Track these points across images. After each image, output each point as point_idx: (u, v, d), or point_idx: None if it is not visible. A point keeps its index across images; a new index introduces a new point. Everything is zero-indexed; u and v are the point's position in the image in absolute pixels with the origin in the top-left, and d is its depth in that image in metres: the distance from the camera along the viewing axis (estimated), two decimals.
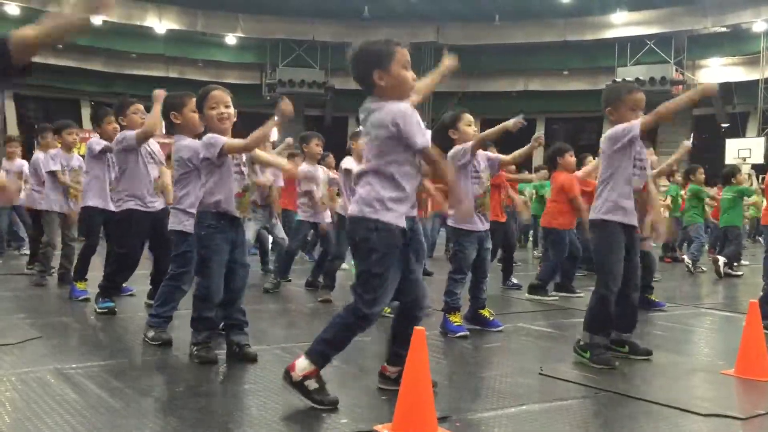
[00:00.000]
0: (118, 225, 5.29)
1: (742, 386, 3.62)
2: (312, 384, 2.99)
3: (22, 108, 26.83)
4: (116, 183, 5.33)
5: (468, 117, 4.82)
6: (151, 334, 4.26)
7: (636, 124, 3.81)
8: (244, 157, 4.03)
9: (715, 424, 2.98)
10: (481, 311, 4.92)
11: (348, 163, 6.10)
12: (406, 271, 3.11)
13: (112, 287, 5.32)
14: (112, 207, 5.65)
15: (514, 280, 7.42)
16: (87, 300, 5.69)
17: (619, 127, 3.90)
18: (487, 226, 4.86)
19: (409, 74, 3.04)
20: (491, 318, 4.92)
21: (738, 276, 9.21)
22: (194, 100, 4.18)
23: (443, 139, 4.74)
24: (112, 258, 5.35)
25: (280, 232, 7.18)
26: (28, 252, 8.56)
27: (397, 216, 2.98)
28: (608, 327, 3.95)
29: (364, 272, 3.02)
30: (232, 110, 3.90)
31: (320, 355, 3.02)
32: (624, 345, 4.09)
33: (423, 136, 2.96)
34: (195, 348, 3.84)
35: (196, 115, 4.19)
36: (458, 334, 4.65)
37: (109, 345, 4.36)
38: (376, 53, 3.02)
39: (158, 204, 5.19)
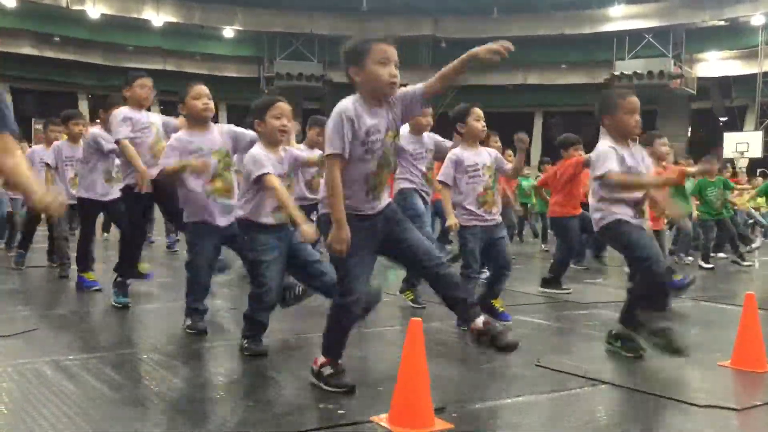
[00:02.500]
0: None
1: (739, 377, 3.63)
2: (327, 370, 3.16)
3: (19, 101, 26.77)
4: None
5: (478, 112, 4.74)
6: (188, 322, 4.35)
7: (608, 173, 3.79)
8: (285, 169, 3.90)
9: (712, 415, 2.99)
10: (492, 301, 4.82)
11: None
12: (400, 243, 3.11)
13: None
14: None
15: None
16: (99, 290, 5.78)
17: (597, 161, 3.88)
18: (493, 217, 4.77)
19: (385, 70, 2.95)
20: (501, 310, 4.85)
21: (711, 269, 9.09)
22: (196, 88, 4.34)
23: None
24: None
25: None
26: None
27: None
28: (662, 299, 3.83)
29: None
30: (291, 125, 3.92)
31: (325, 347, 3.20)
32: (618, 339, 4.04)
33: (331, 145, 2.92)
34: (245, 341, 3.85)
35: (197, 102, 4.30)
36: (464, 328, 4.63)
37: (106, 337, 4.36)
38: (351, 51, 3.02)
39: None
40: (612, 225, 3.91)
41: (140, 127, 5.13)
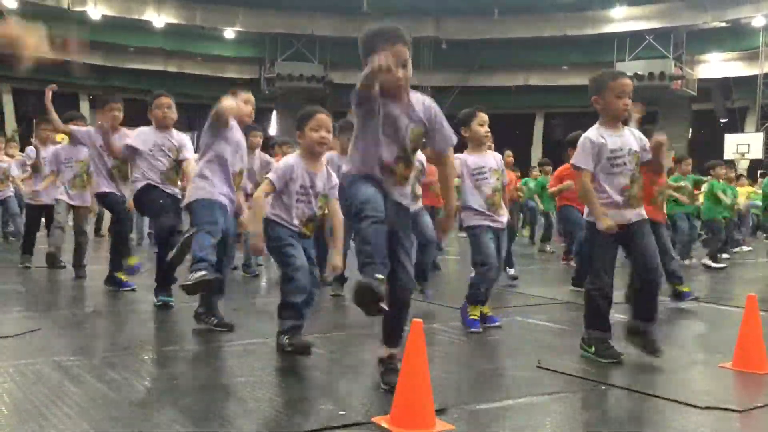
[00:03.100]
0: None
1: (740, 379, 3.63)
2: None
3: (20, 102, 26.81)
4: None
5: (483, 116, 4.74)
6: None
7: (582, 169, 3.85)
8: (317, 185, 3.90)
9: (713, 416, 2.99)
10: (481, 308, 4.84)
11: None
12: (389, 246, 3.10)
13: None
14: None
15: (512, 271, 7.29)
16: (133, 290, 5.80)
17: (577, 150, 3.92)
18: (502, 220, 4.78)
19: (392, 75, 2.96)
20: (488, 314, 4.82)
21: (720, 269, 9.09)
22: (247, 95, 4.63)
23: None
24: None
25: None
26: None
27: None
28: (599, 321, 3.93)
29: None
30: (331, 136, 3.96)
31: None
32: (637, 334, 3.95)
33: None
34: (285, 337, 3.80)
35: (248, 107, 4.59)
36: (471, 329, 4.59)
37: (107, 338, 4.36)
38: (364, 44, 3.09)
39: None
40: (594, 227, 3.90)
41: (157, 151, 5.20)
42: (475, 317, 4.67)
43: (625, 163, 3.88)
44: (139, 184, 5.20)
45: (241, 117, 4.54)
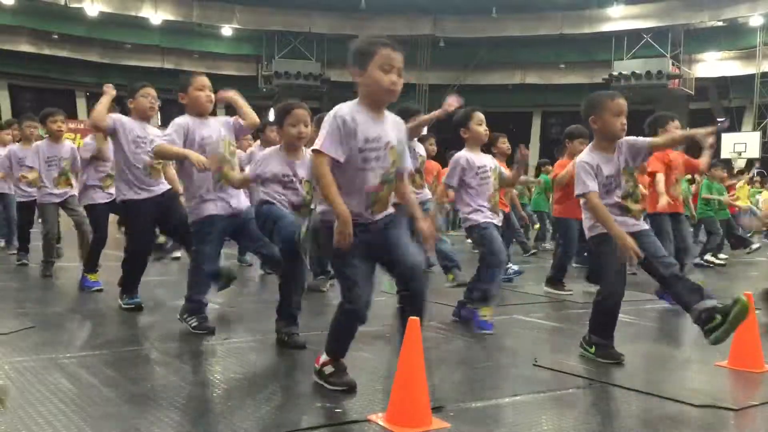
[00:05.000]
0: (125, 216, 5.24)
1: (736, 377, 3.64)
2: (328, 369, 3.17)
3: (16, 99, 26.75)
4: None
5: (479, 116, 4.75)
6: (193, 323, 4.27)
7: (588, 193, 3.74)
8: (299, 172, 3.94)
9: (709, 414, 2.99)
10: (483, 308, 4.72)
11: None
12: (388, 251, 3.05)
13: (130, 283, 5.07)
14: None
15: (515, 267, 7.34)
16: (100, 291, 5.70)
17: (576, 177, 3.82)
18: (498, 220, 4.79)
19: (387, 78, 2.91)
20: (482, 318, 4.65)
21: (716, 266, 9.09)
22: (200, 79, 4.40)
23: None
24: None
25: None
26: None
27: (333, 212, 2.90)
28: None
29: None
30: (309, 129, 3.98)
31: (330, 348, 3.19)
32: (591, 346, 3.89)
33: (320, 141, 2.87)
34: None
35: (201, 93, 4.35)
36: (484, 331, 4.51)
37: (103, 335, 4.35)
38: (357, 51, 2.98)
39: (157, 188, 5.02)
40: (599, 238, 3.84)
41: (136, 141, 4.94)
42: (486, 317, 4.58)
43: (619, 185, 3.83)
44: (124, 196, 4.90)
45: (200, 106, 4.33)
